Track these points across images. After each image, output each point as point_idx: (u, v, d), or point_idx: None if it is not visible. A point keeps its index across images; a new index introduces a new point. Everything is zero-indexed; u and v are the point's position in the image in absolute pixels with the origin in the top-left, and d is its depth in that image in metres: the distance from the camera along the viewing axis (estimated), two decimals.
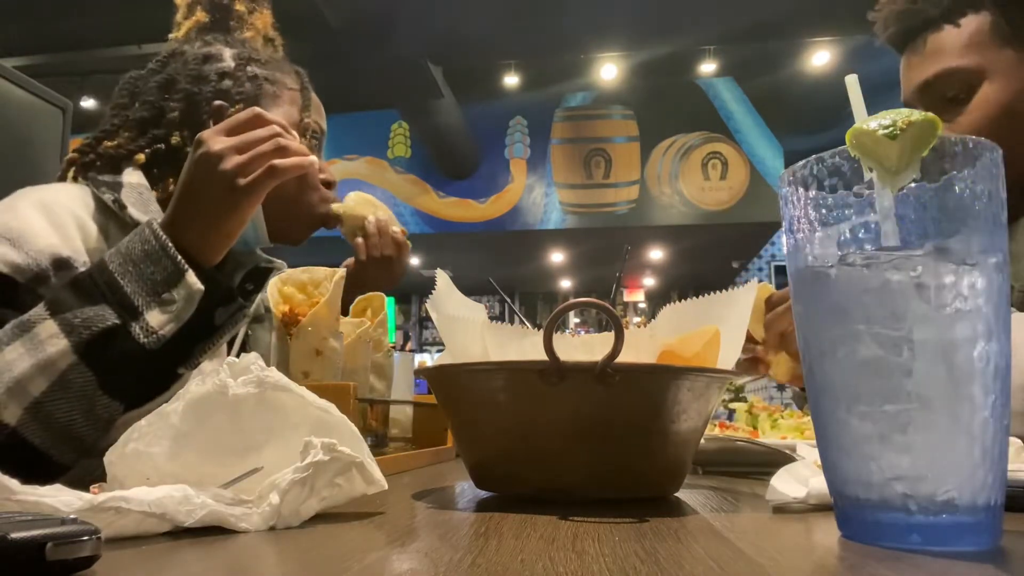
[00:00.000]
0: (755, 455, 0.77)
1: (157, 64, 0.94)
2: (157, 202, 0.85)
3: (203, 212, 0.69)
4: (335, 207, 1.02)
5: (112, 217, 0.82)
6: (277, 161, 0.69)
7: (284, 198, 0.87)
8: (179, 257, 0.66)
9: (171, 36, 0.99)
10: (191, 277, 0.66)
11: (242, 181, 0.68)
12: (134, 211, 0.81)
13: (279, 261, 1.02)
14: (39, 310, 0.64)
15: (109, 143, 0.89)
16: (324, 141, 1.02)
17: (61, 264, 0.73)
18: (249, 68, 0.93)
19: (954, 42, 0.90)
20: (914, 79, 0.94)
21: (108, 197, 0.82)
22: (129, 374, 0.64)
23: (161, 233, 0.67)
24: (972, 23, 0.89)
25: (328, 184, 0.99)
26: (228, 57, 0.93)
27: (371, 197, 1.14)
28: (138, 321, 0.64)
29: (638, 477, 0.55)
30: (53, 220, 0.75)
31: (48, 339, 0.62)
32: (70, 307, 0.63)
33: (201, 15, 1.00)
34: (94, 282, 0.65)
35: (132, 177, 0.85)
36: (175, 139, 0.89)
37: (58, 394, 0.61)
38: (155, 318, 0.64)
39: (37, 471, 0.61)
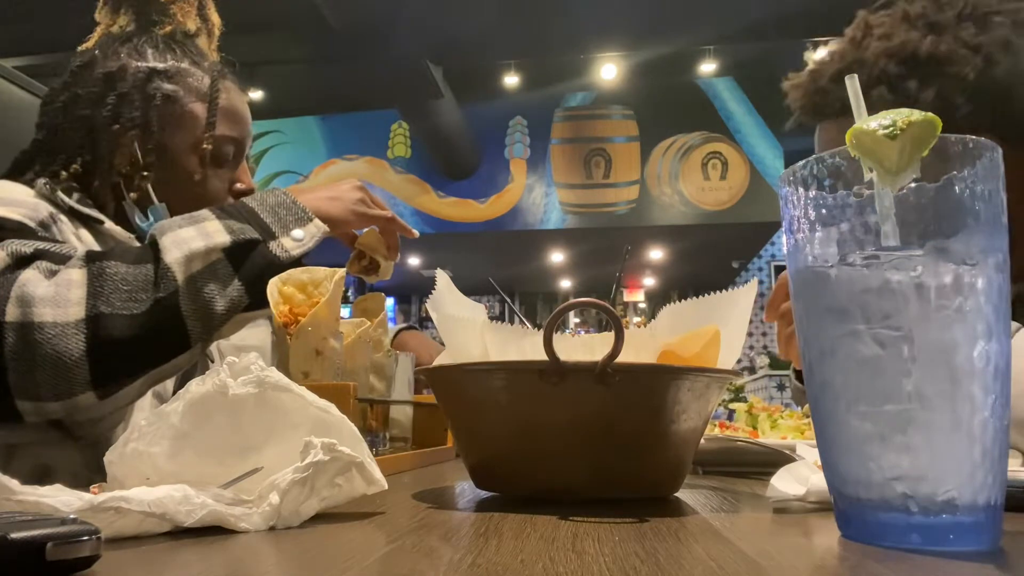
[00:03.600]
0: (755, 455, 0.77)
1: (61, 84, 0.94)
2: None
3: (320, 202, 0.85)
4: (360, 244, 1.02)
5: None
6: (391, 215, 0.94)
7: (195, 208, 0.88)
8: (308, 208, 0.83)
9: (80, 48, 0.97)
10: (318, 221, 0.82)
11: (360, 208, 0.90)
12: (66, 196, 0.86)
13: None
14: (204, 212, 0.78)
15: (25, 172, 0.91)
16: (246, 147, 1.00)
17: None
18: (151, 85, 0.92)
19: (837, 135, 0.89)
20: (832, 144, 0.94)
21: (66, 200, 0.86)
22: (260, 281, 0.75)
23: (290, 193, 0.84)
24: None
25: (242, 194, 0.98)
26: (129, 75, 0.92)
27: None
28: (275, 240, 0.78)
29: (638, 477, 0.55)
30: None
31: (215, 232, 0.76)
32: (225, 218, 0.78)
33: (111, 19, 0.99)
34: (238, 210, 0.80)
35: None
36: (74, 167, 0.90)
37: (207, 275, 0.74)
38: (288, 242, 0.79)
39: (173, 340, 0.72)
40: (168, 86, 0.92)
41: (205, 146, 0.93)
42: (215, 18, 1.04)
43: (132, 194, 0.91)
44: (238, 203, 0.81)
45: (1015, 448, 0.64)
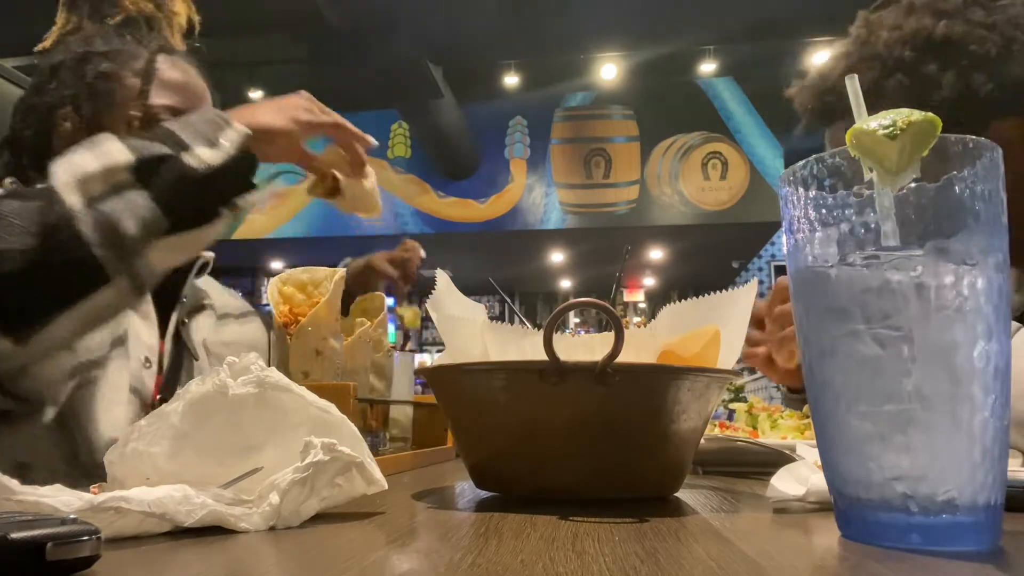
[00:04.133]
0: (755, 455, 0.77)
1: (26, 91, 0.95)
2: None
3: (256, 113, 0.79)
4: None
5: None
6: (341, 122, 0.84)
7: None
8: (228, 116, 0.76)
9: (37, 48, 0.98)
10: (238, 126, 0.75)
11: (303, 115, 0.81)
12: None
13: (205, 252, 1.03)
14: (105, 134, 0.73)
15: None
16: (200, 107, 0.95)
17: None
18: (88, 66, 0.91)
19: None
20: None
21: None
22: (176, 196, 0.70)
23: (218, 110, 0.78)
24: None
25: None
26: (68, 60, 0.92)
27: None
28: (189, 152, 0.72)
29: (638, 477, 0.55)
30: None
31: (114, 152, 0.70)
32: (129, 139, 0.72)
33: (66, 18, 0.98)
34: (153, 132, 0.75)
35: None
36: (27, 157, 0.90)
37: (109, 197, 0.68)
38: (204, 152, 0.72)
39: (83, 271, 0.67)
40: (105, 65, 0.92)
41: (133, 112, 0.90)
42: (177, 7, 1.03)
43: None
44: (160, 127, 0.76)
45: (1015, 448, 0.64)
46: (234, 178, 0.75)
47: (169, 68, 0.95)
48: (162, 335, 0.97)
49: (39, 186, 0.70)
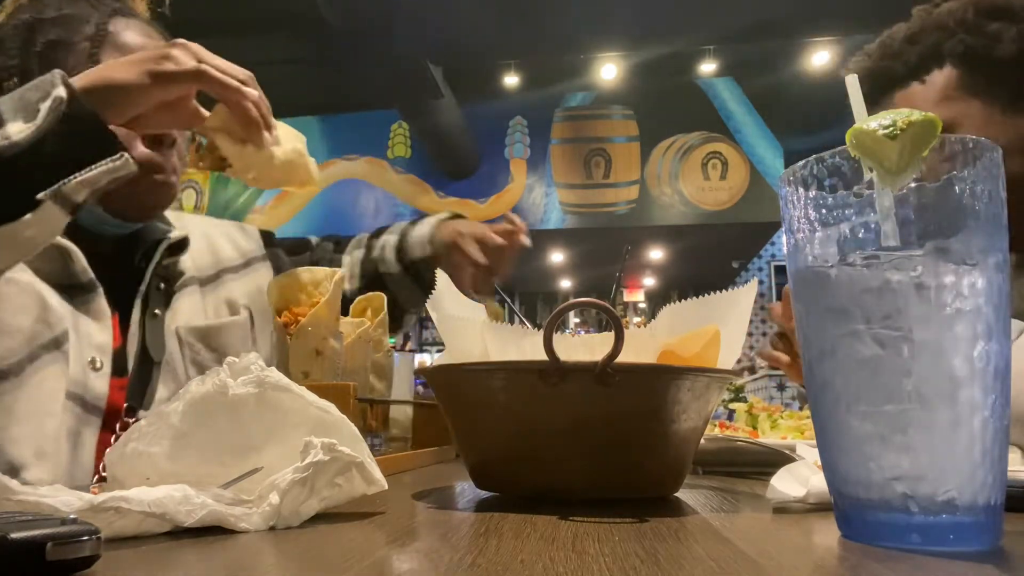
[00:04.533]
0: (755, 455, 0.77)
1: None
2: None
3: (106, 69, 0.67)
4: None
5: None
6: (207, 68, 0.68)
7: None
8: (57, 77, 0.63)
9: None
10: (60, 89, 0.62)
11: (160, 66, 0.67)
12: None
13: (173, 229, 0.94)
14: None
15: None
16: None
17: None
18: (35, 35, 0.84)
19: (923, 98, 0.92)
20: None
21: None
22: None
23: (56, 71, 0.65)
24: (939, 78, 0.90)
25: (158, 140, 0.85)
26: (14, 29, 0.86)
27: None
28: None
29: (638, 477, 0.55)
30: None
31: None
32: None
33: None
34: None
35: None
36: None
37: None
38: (14, 127, 0.60)
39: None
40: (54, 32, 0.85)
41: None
42: None
43: None
44: None
45: (1015, 445, 0.64)
46: (54, 156, 0.61)
47: (125, 30, 0.88)
48: (126, 331, 0.87)
49: None
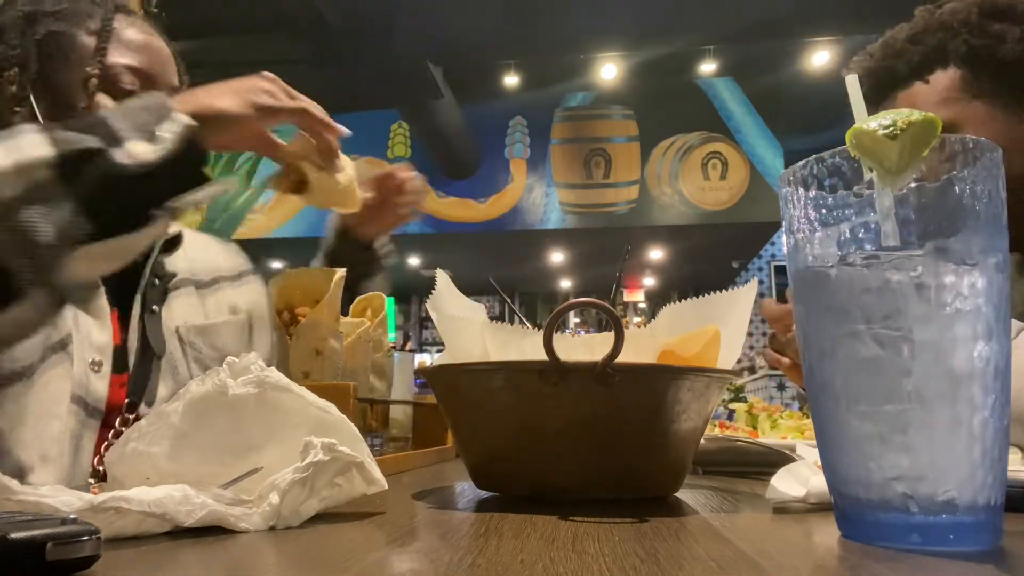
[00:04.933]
0: (755, 455, 0.77)
1: None
2: None
3: (209, 96, 0.72)
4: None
5: None
6: (306, 106, 0.77)
7: None
8: (171, 102, 0.68)
9: None
10: (181, 115, 0.67)
11: (262, 99, 0.74)
12: None
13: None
14: (27, 125, 0.64)
15: None
16: (159, 80, 0.88)
17: None
18: (37, 25, 0.85)
19: (925, 98, 0.92)
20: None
21: None
22: (103, 198, 0.63)
23: (161, 93, 0.71)
24: (942, 79, 0.90)
25: None
26: (14, 19, 0.86)
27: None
28: (120, 147, 0.64)
29: (638, 477, 0.55)
30: None
31: (32, 146, 0.62)
32: (54, 129, 0.64)
33: None
34: (84, 120, 0.66)
35: None
36: None
37: (24, 199, 0.60)
38: (138, 147, 0.65)
39: None
40: (55, 24, 0.86)
41: (90, 71, 0.83)
42: None
43: None
44: (94, 112, 0.69)
45: (1015, 445, 0.64)
46: (172, 177, 0.67)
47: (128, 27, 0.89)
48: (126, 327, 0.86)
49: None
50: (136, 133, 0.65)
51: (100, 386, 0.80)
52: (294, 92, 0.78)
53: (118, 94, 0.84)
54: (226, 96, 0.72)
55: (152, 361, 0.87)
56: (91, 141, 0.63)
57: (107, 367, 0.81)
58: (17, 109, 0.83)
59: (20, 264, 0.60)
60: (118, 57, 0.86)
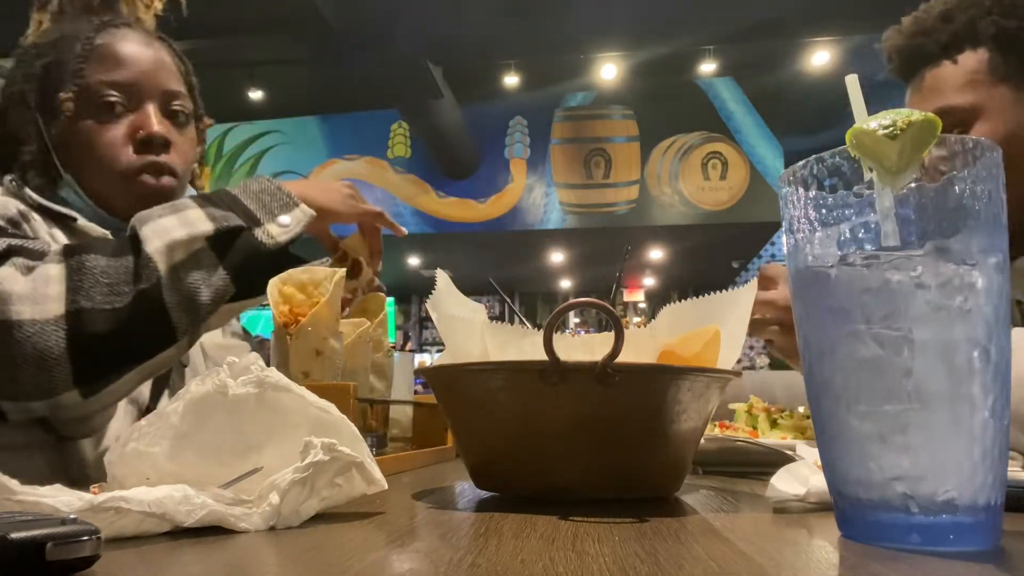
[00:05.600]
0: (755, 455, 0.77)
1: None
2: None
3: (312, 191, 0.84)
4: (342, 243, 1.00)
5: None
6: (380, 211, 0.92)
7: (99, 168, 0.87)
8: (293, 194, 0.80)
9: (21, 39, 0.95)
10: (304, 207, 0.79)
11: (350, 201, 0.88)
12: (36, 195, 0.85)
13: None
14: (186, 199, 0.77)
15: None
16: (142, 91, 0.89)
17: None
18: (37, 61, 0.89)
19: (951, 79, 0.90)
20: None
21: None
22: (248, 268, 0.75)
23: (274, 181, 0.82)
24: (970, 60, 0.89)
25: (146, 141, 0.88)
26: (23, 55, 0.91)
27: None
28: (260, 227, 0.76)
29: (638, 477, 0.55)
30: None
31: (197, 220, 0.73)
32: (207, 205, 0.75)
33: (39, 16, 0.96)
34: (220, 198, 0.77)
35: None
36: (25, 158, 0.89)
37: (190, 265, 0.72)
38: (274, 229, 0.77)
39: (158, 334, 0.71)
40: (52, 54, 0.89)
41: (64, 95, 0.86)
42: None
43: (42, 170, 0.88)
44: (220, 191, 0.79)
45: (1015, 450, 0.64)
46: (291, 255, 0.79)
47: (117, 41, 0.90)
48: None
49: (115, 240, 0.73)
50: (269, 216, 0.77)
51: (145, 389, 0.87)
52: (365, 199, 0.93)
53: (101, 110, 0.88)
54: (326, 194, 0.85)
55: (172, 369, 0.93)
56: (236, 219, 0.75)
57: None
58: (31, 148, 0.88)
59: (182, 318, 0.71)
60: (96, 74, 0.88)
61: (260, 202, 0.78)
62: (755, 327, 0.90)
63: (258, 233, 0.75)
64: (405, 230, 0.97)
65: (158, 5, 1.01)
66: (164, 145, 0.90)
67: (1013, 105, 0.87)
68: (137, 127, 0.88)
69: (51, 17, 0.96)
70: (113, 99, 0.87)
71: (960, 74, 0.90)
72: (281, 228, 0.77)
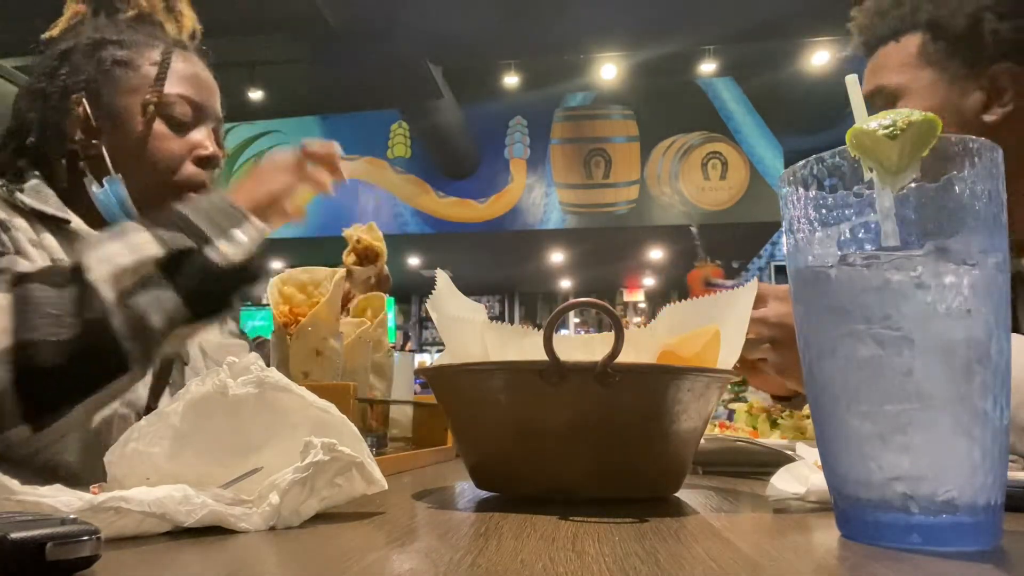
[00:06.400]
0: (755, 455, 0.77)
1: (32, 77, 0.95)
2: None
3: (251, 192, 0.81)
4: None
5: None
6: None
7: (152, 174, 0.89)
8: (243, 208, 0.78)
9: (44, 36, 0.97)
10: (256, 222, 0.77)
11: (286, 180, 0.83)
12: (28, 199, 0.85)
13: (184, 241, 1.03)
14: (132, 223, 0.75)
15: None
16: (208, 113, 0.95)
17: None
18: (103, 52, 0.91)
19: (891, 60, 0.95)
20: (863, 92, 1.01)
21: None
22: (201, 289, 0.73)
23: (223, 194, 0.79)
24: (910, 43, 0.93)
25: (205, 159, 0.93)
26: (81, 46, 0.92)
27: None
28: (210, 246, 0.73)
29: (638, 477, 0.55)
30: None
31: (143, 244, 0.72)
32: (153, 227, 0.73)
33: (77, 7, 0.98)
34: (169, 219, 0.75)
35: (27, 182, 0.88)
36: (30, 139, 0.90)
37: (139, 291, 0.70)
38: (225, 247, 0.74)
39: (108, 363, 0.69)
40: (120, 52, 0.92)
41: (149, 98, 0.90)
42: (184, 9, 1.03)
43: (85, 163, 0.90)
44: (169, 210, 0.77)
45: (1016, 454, 0.64)
46: (246, 270, 0.76)
47: (182, 61, 0.95)
48: None
49: (62, 267, 0.71)
50: (219, 234, 0.74)
51: (143, 390, 0.88)
52: (318, 150, 0.86)
53: (171, 121, 0.92)
54: (262, 185, 0.82)
55: (171, 367, 0.95)
56: (187, 241, 0.73)
57: (149, 376, 0.90)
58: (94, 141, 0.90)
59: (133, 345, 0.69)
60: (174, 87, 0.93)
61: (209, 220, 0.75)
62: (747, 347, 0.91)
63: (209, 252, 0.73)
64: (343, 172, 0.88)
65: (188, 23, 1.03)
66: (216, 166, 0.96)
67: (931, 87, 0.91)
68: (198, 145, 0.93)
69: (86, 13, 0.97)
70: (186, 114, 0.93)
71: (898, 55, 0.94)
72: (232, 246, 0.74)
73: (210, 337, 1.03)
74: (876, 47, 0.98)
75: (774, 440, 0.88)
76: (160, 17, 1.00)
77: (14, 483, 0.34)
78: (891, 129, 0.36)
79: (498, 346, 0.64)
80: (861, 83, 1.01)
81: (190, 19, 1.05)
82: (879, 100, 0.96)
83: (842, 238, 0.38)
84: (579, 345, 0.69)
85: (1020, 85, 0.86)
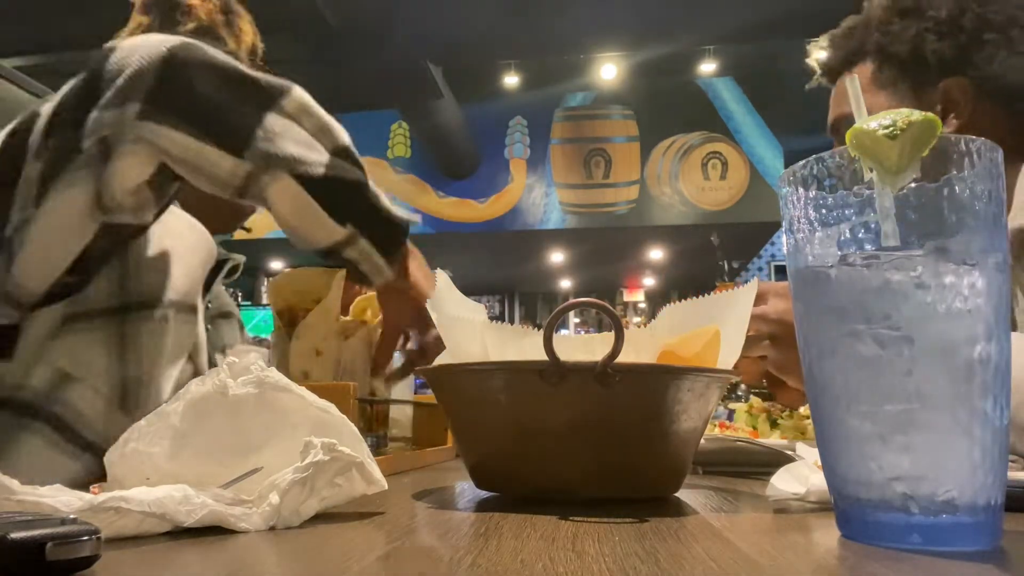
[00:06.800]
0: (755, 455, 0.77)
1: None
2: None
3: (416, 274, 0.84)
4: None
5: None
6: None
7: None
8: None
9: (108, 45, 0.99)
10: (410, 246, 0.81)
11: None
12: None
13: (236, 255, 1.05)
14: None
15: None
16: None
17: None
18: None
19: (846, 89, 0.97)
20: (829, 120, 1.08)
21: None
22: (371, 216, 0.77)
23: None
24: (863, 72, 0.98)
25: None
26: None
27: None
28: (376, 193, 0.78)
29: (638, 477, 0.55)
30: None
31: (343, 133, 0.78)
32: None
33: (141, 18, 0.99)
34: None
35: None
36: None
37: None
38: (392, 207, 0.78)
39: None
40: None
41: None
42: (245, 27, 1.04)
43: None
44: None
45: (1016, 454, 0.64)
46: (397, 237, 0.78)
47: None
48: None
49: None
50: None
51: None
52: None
53: None
54: (427, 279, 0.84)
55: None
56: (361, 175, 0.78)
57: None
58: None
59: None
60: None
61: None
62: (747, 344, 0.91)
63: (379, 195, 0.77)
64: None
65: (247, 39, 1.04)
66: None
67: (890, 108, 0.93)
68: None
69: (148, 24, 0.98)
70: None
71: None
72: (397, 210, 0.78)
73: (229, 341, 1.06)
74: (835, 78, 1.04)
75: (774, 440, 0.88)
76: (221, 32, 1.02)
77: (14, 483, 0.34)
78: (891, 129, 0.36)
79: (498, 346, 0.64)
80: (829, 108, 1.06)
81: (249, 35, 1.06)
82: (844, 127, 1.00)
83: (842, 238, 0.38)
84: (579, 345, 0.69)
85: (969, 95, 0.90)
